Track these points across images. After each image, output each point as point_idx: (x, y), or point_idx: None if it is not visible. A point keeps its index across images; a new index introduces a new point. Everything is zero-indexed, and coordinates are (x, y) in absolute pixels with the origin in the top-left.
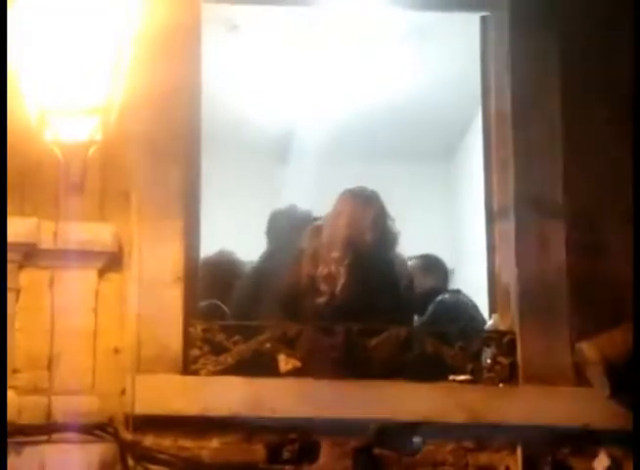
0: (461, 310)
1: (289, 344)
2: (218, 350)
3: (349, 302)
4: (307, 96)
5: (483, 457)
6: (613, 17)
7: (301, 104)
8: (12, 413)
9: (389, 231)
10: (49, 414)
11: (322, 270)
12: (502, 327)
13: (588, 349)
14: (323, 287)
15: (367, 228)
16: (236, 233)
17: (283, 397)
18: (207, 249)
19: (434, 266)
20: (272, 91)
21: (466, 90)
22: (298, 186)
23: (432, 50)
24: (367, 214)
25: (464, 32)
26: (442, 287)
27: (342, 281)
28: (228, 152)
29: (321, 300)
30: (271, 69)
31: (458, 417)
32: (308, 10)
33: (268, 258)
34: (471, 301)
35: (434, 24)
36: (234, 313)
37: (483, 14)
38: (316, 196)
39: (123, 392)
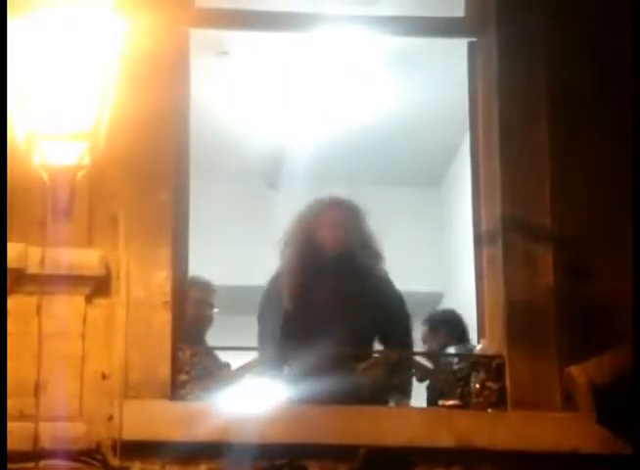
0: None
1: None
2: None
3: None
4: (296, 121)
5: None
6: (602, 42)
7: (290, 129)
8: None
9: (369, 236)
10: (36, 440)
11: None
12: (490, 352)
13: (576, 373)
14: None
15: (343, 232)
16: (224, 258)
17: (271, 422)
18: (195, 273)
19: (451, 321)
20: (260, 116)
21: (454, 116)
22: (286, 211)
23: (419, 76)
24: (341, 218)
25: (452, 58)
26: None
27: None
28: (216, 176)
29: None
30: (260, 94)
31: (447, 442)
32: (297, 36)
33: None
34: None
35: (422, 51)
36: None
37: (471, 39)
38: None
39: (111, 417)
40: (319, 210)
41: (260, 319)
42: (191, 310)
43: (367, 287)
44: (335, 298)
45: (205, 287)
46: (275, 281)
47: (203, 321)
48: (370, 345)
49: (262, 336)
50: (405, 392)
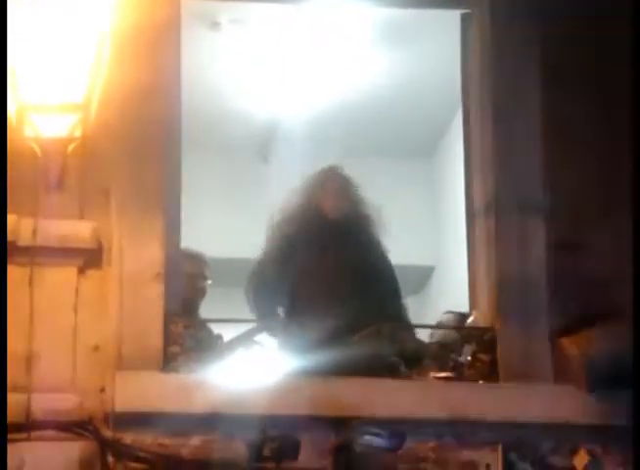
0: None
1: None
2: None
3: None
4: (288, 94)
5: (464, 454)
6: (595, 14)
7: (282, 101)
8: None
9: (362, 204)
10: (28, 412)
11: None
12: (482, 324)
13: (568, 345)
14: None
15: (336, 200)
16: (217, 230)
17: (263, 394)
18: (188, 245)
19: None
20: (254, 88)
21: (447, 88)
22: (279, 183)
23: (413, 48)
24: (334, 186)
25: (445, 30)
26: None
27: (316, 259)
28: (208, 148)
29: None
30: (251, 67)
31: (439, 414)
32: (289, 8)
33: None
34: None
35: (416, 22)
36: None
37: (464, 11)
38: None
39: (103, 389)
40: (320, 180)
41: (256, 290)
42: (184, 283)
43: (369, 255)
44: (336, 266)
45: (197, 259)
46: (274, 250)
47: (196, 294)
48: (370, 315)
49: (259, 306)
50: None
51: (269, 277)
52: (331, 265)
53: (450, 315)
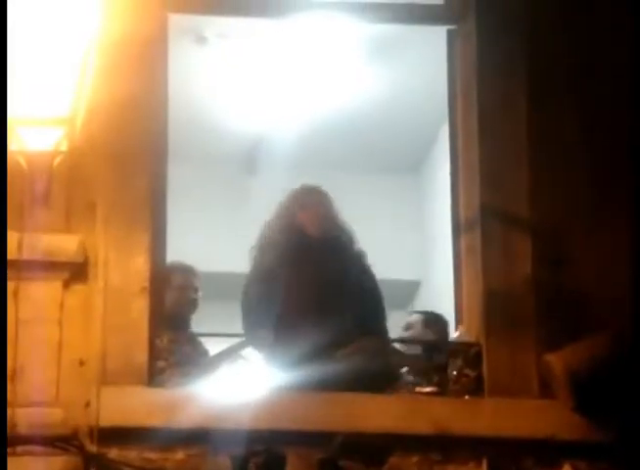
0: None
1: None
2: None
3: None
4: (274, 107)
5: (450, 469)
6: (581, 27)
7: (268, 115)
8: None
9: (341, 222)
10: (13, 426)
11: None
12: (468, 339)
13: (553, 361)
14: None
15: (318, 219)
16: (202, 243)
17: (249, 409)
18: (173, 259)
19: (433, 322)
20: (240, 102)
21: (433, 103)
22: (265, 196)
23: (399, 63)
24: (316, 205)
25: (431, 46)
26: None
27: (301, 277)
28: (195, 162)
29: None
30: (238, 80)
31: (424, 429)
32: (276, 22)
33: None
34: None
35: (402, 38)
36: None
37: (450, 27)
38: None
39: (88, 404)
40: (298, 197)
41: (243, 306)
42: (175, 296)
43: (352, 271)
44: (319, 283)
45: (188, 271)
46: (259, 269)
47: (188, 306)
48: (354, 331)
49: (245, 322)
50: (386, 379)
51: (254, 294)
52: (314, 282)
53: (417, 316)
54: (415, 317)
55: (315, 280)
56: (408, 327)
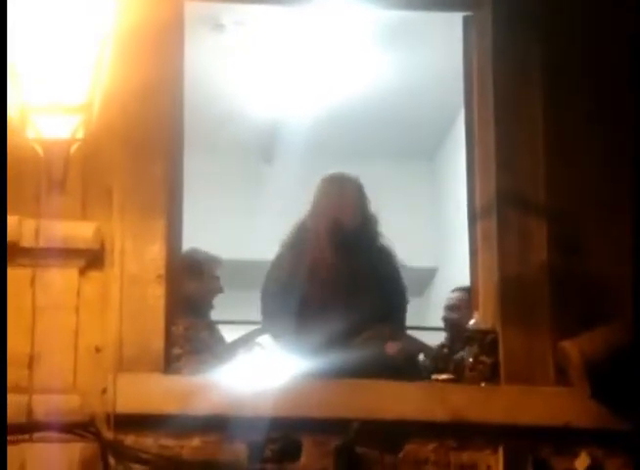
0: None
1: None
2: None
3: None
4: (291, 95)
5: (465, 456)
6: (596, 16)
7: (284, 102)
8: None
9: (372, 214)
10: (30, 413)
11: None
12: (484, 326)
13: (569, 348)
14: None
15: (352, 210)
16: (218, 230)
17: (265, 396)
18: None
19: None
20: (257, 89)
21: (448, 89)
22: (281, 184)
23: (415, 49)
24: (350, 196)
25: (447, 32)
26: None
27: (329, 267)
28: (210, 149)
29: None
30: (254, 68)
31: (440, 416)
32: (292, 9)
33: None
34: None
35: (418, 24)
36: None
37: (466, 14)
38: (298, 194)
39: (105, 390)
40: (331, 188)
41: (265, 292)
42: (197, 283)
43: (380, 263)
44: (345, 272)
45: (210, 259)
46: (286, 258)
47: (209, 294)
48: (372, 319)
49: (266, 308)
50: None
51: (279, 281)
52: (340, 272)
53: (458, 293)
54: (456, 295)
55: (340, 269)
56: (453, 308)
